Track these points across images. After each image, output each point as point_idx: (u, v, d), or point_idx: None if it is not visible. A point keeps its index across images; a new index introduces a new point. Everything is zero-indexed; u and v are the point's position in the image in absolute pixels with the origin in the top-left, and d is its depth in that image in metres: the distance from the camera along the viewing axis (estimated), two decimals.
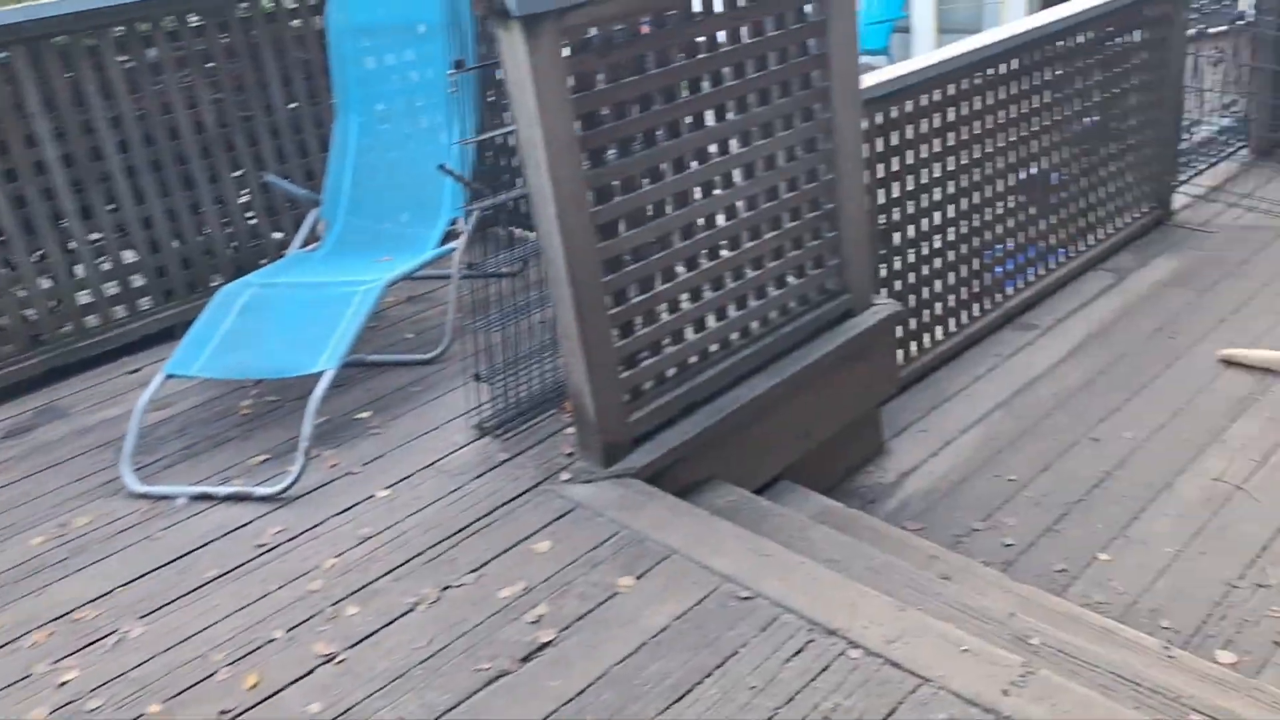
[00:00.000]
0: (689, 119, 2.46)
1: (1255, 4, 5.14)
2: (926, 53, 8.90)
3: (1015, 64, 3.66)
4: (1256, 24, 5.12)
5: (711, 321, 2.67)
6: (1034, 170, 3.94)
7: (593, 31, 2.20)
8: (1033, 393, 3.53)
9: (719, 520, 2.30)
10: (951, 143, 3.53)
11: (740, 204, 2.66)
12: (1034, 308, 4.11)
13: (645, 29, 2.33)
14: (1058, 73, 3.87)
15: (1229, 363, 3.54)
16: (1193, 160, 5.11)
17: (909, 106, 3.31)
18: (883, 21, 8.99)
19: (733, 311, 2.71)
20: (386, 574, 2.28)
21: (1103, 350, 3.75)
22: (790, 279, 2.84)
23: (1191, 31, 4.76)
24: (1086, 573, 2.67)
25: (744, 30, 2.56)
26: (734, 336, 2.74)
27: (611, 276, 2.37)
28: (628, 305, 2.43)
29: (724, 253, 2.64)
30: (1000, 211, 3.84)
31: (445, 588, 2.21)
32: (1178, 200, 4.90)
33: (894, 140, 3.31)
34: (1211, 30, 5.20)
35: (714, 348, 2.69)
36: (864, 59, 9.37)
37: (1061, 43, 3.83)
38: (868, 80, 3.12)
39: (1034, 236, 4.07)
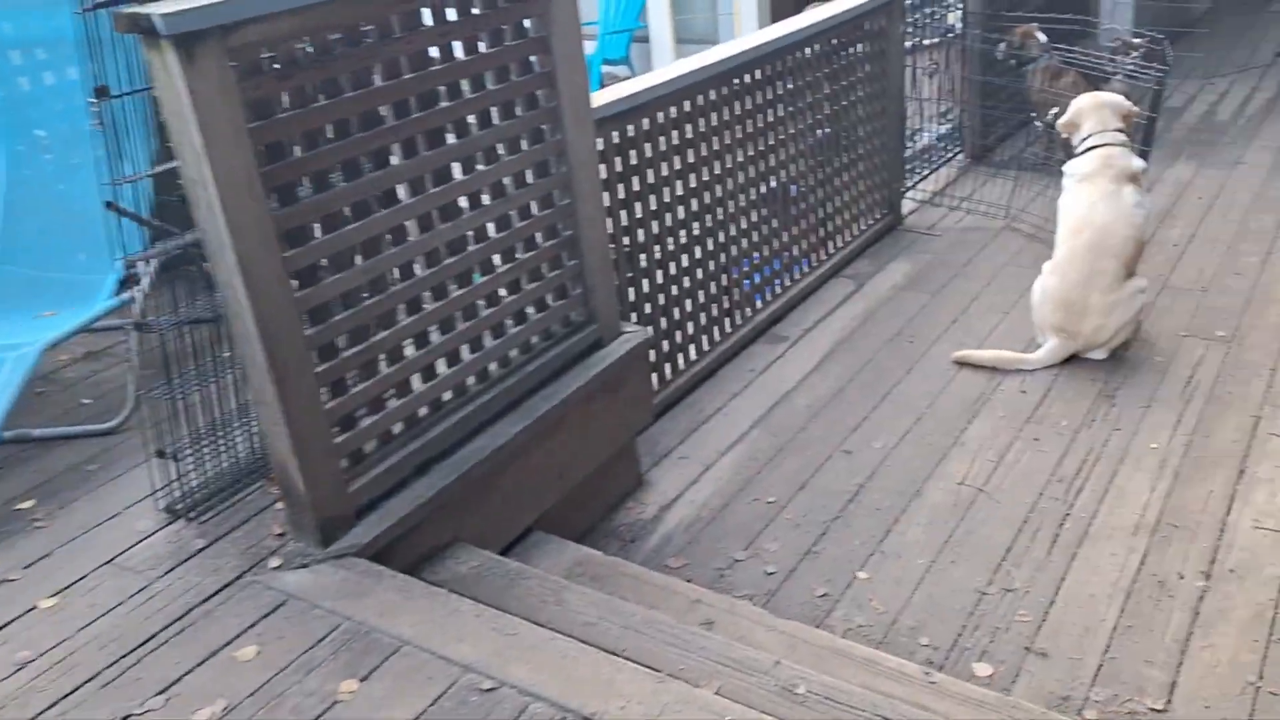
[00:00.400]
0: (398, 146, 2.19)
1: (962, 18, 5.47)
2: (666, 63, 8.97)
3: (749, 78, 3.63)
4: (964, 37, 5.44)
5: (443, 367, 2.40)
6: (774, 183, 3.94)
7: (268, 51, 1.89)
8: (788, 406, 3.51)
9: (458, 599, 2.04)
10: (692, 159, 3.44)
11: (469, 235, 2.42)
12: (783, 319, 4.13)
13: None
14: (790, 86, 3.89)
15: (962, 363, 3.67)
16: (917, 167, 5.36)
17: (645, 124, 3.18)
18: (621, 31, 8.99)
19: (467, 354, 2.46)
20: (51, 707, 1.86)
21: (850, 358, 3.79)
22: (531, 313, 2.63)
23: (908, 44, 4.97)
24: (847, 594, 2.63)
25: (457, 47, 2.32)
26: (470, 381, 2.49)
27: (316, 329, 2.06)
28: (339, 360, 2.12)
29: (453, 291, 2.39)
30: (744, 226, 3.80)
31: (127, 717, 1.82)
32: (906, 205, 5.12)
33: (633, 159, 3.17)
34: (925, 42, 5.48)
35: (448, 396, 2.43)
36: (606, 68, 9.37)
37: (792, 57, 3.85)
38: (601, 98, 2.96)
39: (778, 249, 4.08)
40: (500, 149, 2.43)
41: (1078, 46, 5.37)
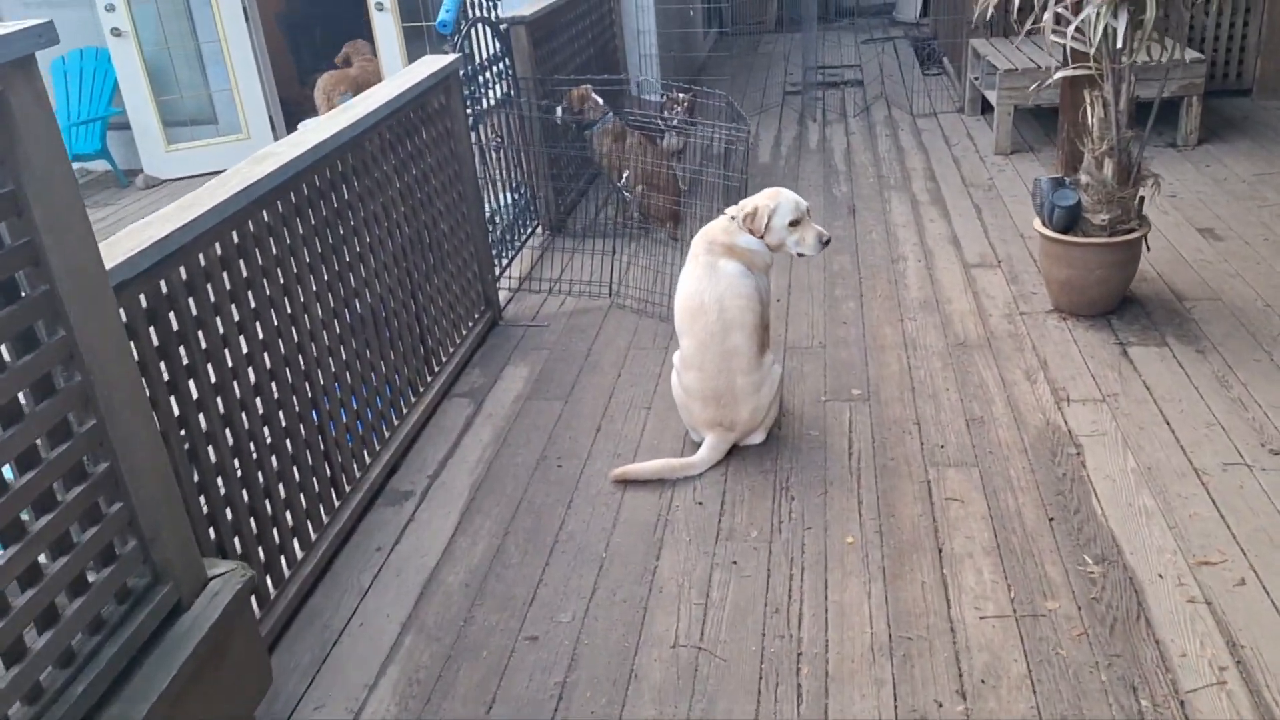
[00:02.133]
0: None
1: (513, 86, 5.24)
2: (156, 151, 7.91)
3: (307, 188, 2.99)
4: (520, 106, 5.22)
5: None
6: (359, 308, 3.33)
7: None
8: (440, 591, 2.92)
9: None
10: (254, 304, 2.73)
11: None
12: (400, 467, 3.53)
13: None
14: (358, 187, 3.31)
15: (623, 481, 3.34)
16: (502, 251, 5.03)
17: (184, 272, 2.43)
18: (91, 120, 7.72)
19: None
20: None
21: (496, 504, 3.29)
22: (65, 606, 1.79)
23: (469, 114, 4.62)
24: None
25: None
26: None
27: None
28: None
29: None
30: (335, 369, 3.15)
31: None
32: (501, 296, 4.76)
33: (174, 323, 2.40)
34: (481, 109, 5.18)
35: None
36: (78, 165, 8.07)
37: (353, 154, 3.27)
38: (118, 251, 2.18)
39: (378, 385, 3.47)
40: None
41: (622, 104, 5.41)
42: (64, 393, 1.78)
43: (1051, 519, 2.95)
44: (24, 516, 1.73)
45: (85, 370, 1.80)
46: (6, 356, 1.69)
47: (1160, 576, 2.67)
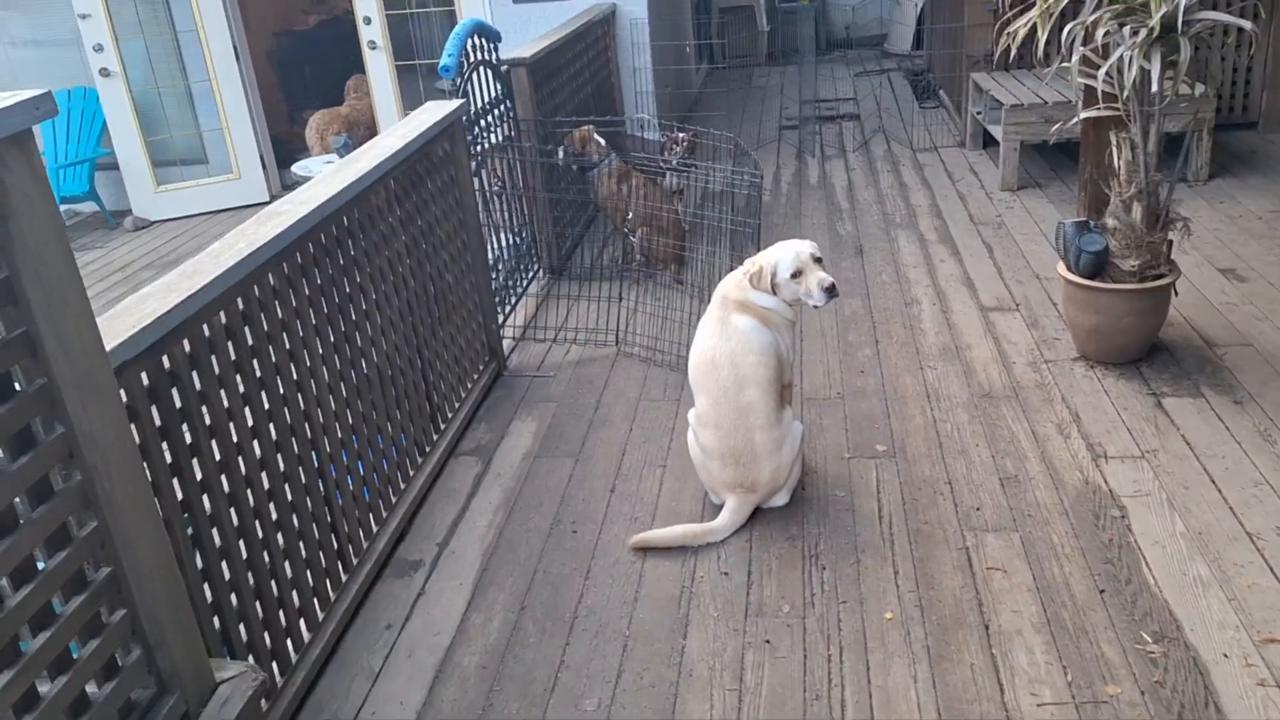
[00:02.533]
0: None
1: (514, 129, 5.13)
2: (144, 192, 7.76)
3: (313, 247, 2.86)
4: (523, 152, 5.11)
5: None
6: (364, 368, 3.18)
7: None
8: (455, 676, 2.75)
9: None
10: (259, 372, 2.58)
11: None
12: (408, 535, 3.37)
13: None
14: (364, 243, 3.17)
15: (643, 549, 3.19)
16: (505, 297, 4.90)
17: (188, 345, 2.28)
18: (79, 162, 7.56)
19: None
20: None
21: (510, 575, 3.14)
22: None
23: (474, 160, 4.50)
24: None
25: None
26: None
27: None
28: None
29: None
30: (341, 435, 3.00)
31: None
32: (505, 345, 4.62)
33: (177, 400, 2.25)
34: (481, 150, 5.06)
35: None
36: (66, 207, 7.93)
37: (359, 209, 3.13)
38: (118, 330, 2.03)
39: (384, 447, 3.32)
40: None
41: (623, 144, 5.31)
42: (63, 494, 1.63)
43: (1102, 591, 2.81)
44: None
45: (86, 468, 1.65)
46: (6, 464, 1.53)
47: (1225, 656, 2.54)
